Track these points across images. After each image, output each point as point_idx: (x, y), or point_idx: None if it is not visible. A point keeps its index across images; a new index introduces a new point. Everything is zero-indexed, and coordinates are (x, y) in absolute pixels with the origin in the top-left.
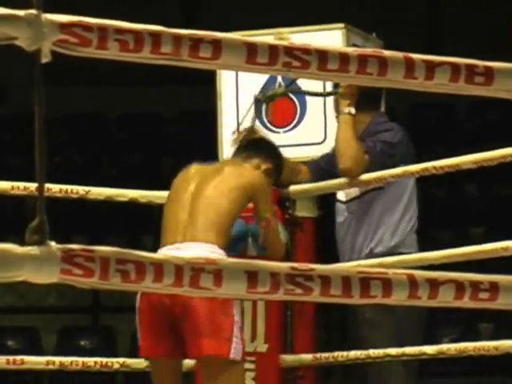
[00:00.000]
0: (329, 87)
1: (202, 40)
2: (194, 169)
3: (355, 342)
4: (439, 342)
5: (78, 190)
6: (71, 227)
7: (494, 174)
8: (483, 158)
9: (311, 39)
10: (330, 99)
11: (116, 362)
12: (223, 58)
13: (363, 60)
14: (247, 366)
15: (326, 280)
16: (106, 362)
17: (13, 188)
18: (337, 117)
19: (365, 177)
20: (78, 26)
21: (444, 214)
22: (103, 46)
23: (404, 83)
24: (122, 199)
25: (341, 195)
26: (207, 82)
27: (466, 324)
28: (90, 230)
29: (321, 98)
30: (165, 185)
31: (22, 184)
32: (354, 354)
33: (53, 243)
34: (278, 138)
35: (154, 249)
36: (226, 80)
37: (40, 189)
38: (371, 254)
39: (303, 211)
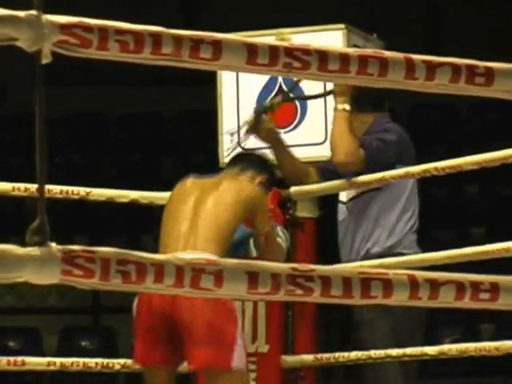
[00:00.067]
0: (329, 87)
1: (202, 41)
2: (191, 182)
3: (358, 343)
4: (440, 342)
5: (79, 191)
6: (72, 228)
7: (495, 174)
8: (485, 159)
9: (311, 40)
10: (331, 99)
11: (117, 363)
12: (224, 59)
13: (364, 61)
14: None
15: (326, 281)
16: (107, 363)
17: (14, 189)
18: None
19: (365, 177)
20: (78, 26)
21: (445, 214)
22: (103, 46)
23: (404, 84)
24: (123, 200)
25: (342, 195)
26: (207, 82)
27: (467, 325)
28: (90, 231)
29: (321, 99)
30: (165, 184)
31: (22, 185)
32: (354, 354)
33: (53, 244)
34: None
35: (154, 249)
36: (226, 80)
37: (41, 189)
38: (368, 255)
39: (304, 212)
